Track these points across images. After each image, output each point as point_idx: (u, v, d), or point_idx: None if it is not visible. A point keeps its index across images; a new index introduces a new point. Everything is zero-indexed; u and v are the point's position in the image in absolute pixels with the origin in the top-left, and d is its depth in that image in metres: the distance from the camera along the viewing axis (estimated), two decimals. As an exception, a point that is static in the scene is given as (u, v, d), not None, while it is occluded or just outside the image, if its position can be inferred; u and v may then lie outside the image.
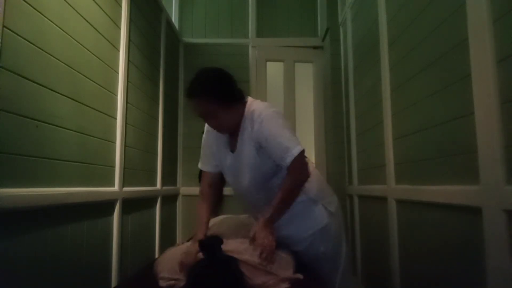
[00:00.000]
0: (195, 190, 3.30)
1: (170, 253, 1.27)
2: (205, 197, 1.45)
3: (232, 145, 1.34)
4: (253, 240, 1.21)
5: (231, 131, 1.33)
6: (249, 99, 1.35)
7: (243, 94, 1.33)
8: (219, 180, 1.48)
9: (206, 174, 1.48)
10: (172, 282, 1.14)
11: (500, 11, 1.04)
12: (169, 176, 3.05)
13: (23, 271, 1.16)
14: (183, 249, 1.26)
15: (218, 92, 1.23)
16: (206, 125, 1.41)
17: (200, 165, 1.51)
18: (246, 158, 1.29)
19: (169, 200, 3.08)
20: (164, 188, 2.83)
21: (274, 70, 3.47)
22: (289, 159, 1.19)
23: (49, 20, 1.32)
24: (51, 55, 1.34)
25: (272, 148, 1.22)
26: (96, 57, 1.69)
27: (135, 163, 2.21)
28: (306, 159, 1.30)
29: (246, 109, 1.29)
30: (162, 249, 2.56)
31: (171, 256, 1.24)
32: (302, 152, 1.21)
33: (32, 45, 1.23)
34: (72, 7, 1.48)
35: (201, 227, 1.36)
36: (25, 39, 1.18)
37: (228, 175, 1.41)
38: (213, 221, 1.63)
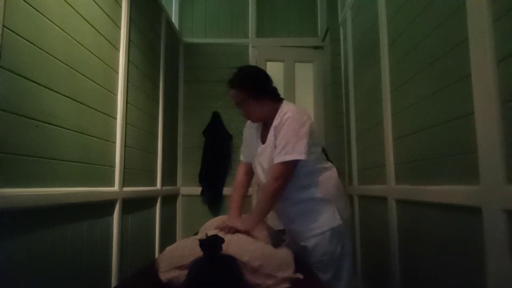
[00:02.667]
0: (195, 190, 3.32)
1: (172, 248, 1.27)
2: (240, 184, 1.64)
3: (263, 138, 1.49)
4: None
5: (262, 122, 1.53)
6: (285, 101, 1.49)
7: (276, 93, 1.50)
8: (251, 171, 1.64)
9: (242, 164, 1.67)
10: (172, 276, 1.14)
11: (500, 11, 1.04)
12: (169, 176, 3.05)
13: (23, 271, 1.16)
14: (187, 243, 1.26)
15: (252, 86, 1.44)
16: (245, 126, 1.65)
17: (240, 156, 1.71)
18: (269, 150, 1.42)
19: (169, 200, 3.08)
20: (164, 188, 2.83)
21: (274, 70, 3.46)
22: (278, 159, 1.34)
23: (49, 20, 1.32)
24: (51, 55, 1.34)
25: (278, 144, 1.36)
26: (96, 57, 1.69)
27: (135, 163, 2.21)
28: (328, 164, 1.51)
29: (280, 109, 1.43)
30: (162, 249, 2.56)
31: (173, 251, 1.24)
32: (293, 162, 1.33)
33: (32, 45, 1.23)
34: (72, 7, 1.48)
35: (234, 211, 1.54)
36: (25, 39, 1.18)
37: (255, 164, 1.54)
38: (211, 221, 1.64)
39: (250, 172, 1.64)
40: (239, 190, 1.61)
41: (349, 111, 2.76)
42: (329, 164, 1.55)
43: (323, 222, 1.41)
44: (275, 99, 1.48)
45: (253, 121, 1.54)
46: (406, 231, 1.75)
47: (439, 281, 1.41)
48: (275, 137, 1.39)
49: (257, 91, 1.44)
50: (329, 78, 3.17)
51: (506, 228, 1.00)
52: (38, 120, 1.26)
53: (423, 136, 1.54)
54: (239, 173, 1.67)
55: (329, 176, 1.50)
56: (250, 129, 1.61)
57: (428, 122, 1.48)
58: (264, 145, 1.47)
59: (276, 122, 1.40)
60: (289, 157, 1.32)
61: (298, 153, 1.32)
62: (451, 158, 1.31)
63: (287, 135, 1.34)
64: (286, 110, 1.39)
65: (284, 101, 1.49)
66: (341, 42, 3.07)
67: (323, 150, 1.55)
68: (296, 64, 3.51)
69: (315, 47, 3.50)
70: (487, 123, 1.07)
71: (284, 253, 1.26)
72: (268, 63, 3.49)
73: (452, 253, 1.31)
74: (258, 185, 1.59)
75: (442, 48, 1.36)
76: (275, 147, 1.38)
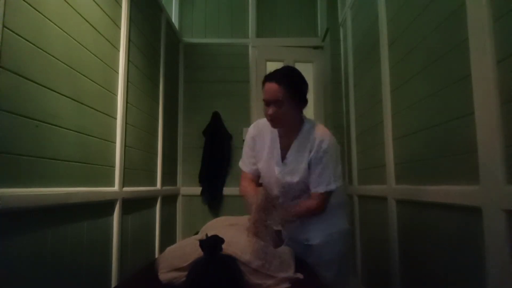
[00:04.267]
0: (195, 190, 3.32)
1: (172, 248, 1.27)
2: (247, 188, 1.49)
3: (282, 155, 1.42)
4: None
5: (282, 130, 1.42)
6: (310, 120, 1.44)
7: (305, 106, 1.42)
8: (257, 180, 1.55)
9: (246, 174, 1.54)
10: (172, 276, 1.14)
11: (500, 11, 1.04)
12: (169, 176, 3.05)
13: (23, 271, 1.16)
14: (187, 243, 1.26)
15: (296, 89, 1.35)
16: (253, 130, 1.50)
17: (241, 165, 1.57)
18: (296, 173, 1.38)
19: (169, 200, 3.08)
20: (164, 188, 2.83)
21: (274, 70, 3.46)
22: (321, 189, 1.35)
23: (49, 20, 1.32)
24: (51, 55, 1.34)
25: (317, 173, 1.35)
26: (96, 57, 1.69)
27: (135, 163, 2.21)
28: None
29: (306, 127, 1.39)
30: (162, 249, 2.56)
31: (173, 252, 1.24)
32: (332, 191, 1.36)
33: (32, 45, 1.23)
34: (72, 7, 1.48)
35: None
36: (25, 39, 1.18)
37: (269, 179, 1.47)
38: (212, 222, 1.64)
39: (254, 182, 1.53)
40: (251, 188, 1.48)
41: (349, 111, 2.76)
42: None
43: (333, 224, 1.46)
44: (301, 112, 1.42)
45: (276, 125, 1.38)
46: (406, 231, 1.75)
47: (439, 281, 1.41)
48: (311, 163, 1.36)
49: (300, 97, 1.36)
50: (329, 78, 3.17)
51: (506, 228, 1.00)
52: (38, 120, 1.26)
53: (423, 136, 1.54)
54: (244, 183, 1.52)
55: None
56: (261, 137, 1.47)
57: (428, 122, 1.48)
58: (288, 167, 1.40)
59: (308, 149, 1.36)
60: (331, 187, 1.35)
61: (339, 182, 1.37)
62: (451, 158, 1.31)
63: (330, 165, 1.35)
64: (322, 136, 1.35)
65: (308, 119, 1.44)
66: (341, 42, 3.07)
67: None
68: (296, 64, 3.50)
69: (315, 47, 3.50)
70: (487, 123, 1.07)
71: (284, 253, 1.26)
72: (268, 63, 3.49)
73: (452, 253, 1.31)
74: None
75: (442, 48, 1.36)
76: (306, 170, 1.37)
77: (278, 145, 1.43)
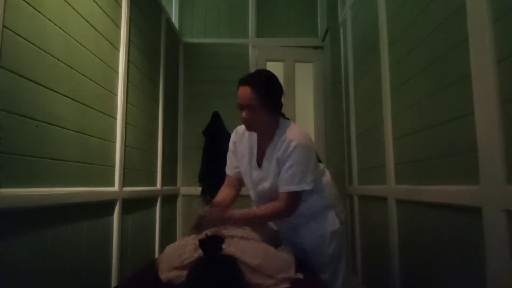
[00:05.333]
0: (195, 190, 3.32)
1: (172, 247, 1.27)
2: (221, 193, 1.54)
3: (259, 160, 1.43)
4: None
5: (258, 134, 1.43)
6: (286, 121, 1.42)
7: (281, 109, 1.43)
8: (238, 184, 1.57)
9: (228, 178, 1.59)
10: (172, 276, 1.14)
11: (500, 11, 1.04)
12: (169, 176, 3.05)
13: (23, 271, 1.16)
14: (188, 242, 1.26)
15: (270, 94, 1.35)
16: (234, 135, 1.55)
17: (226, 168, 1.61)
18: (268, 178, 1.38)
19: (169, 200, 3.08)
20: (164, 188, 2.83)
21: (274, 70, 3.44)
22: (286, 188, 1.31)
23: (49, 20, 1.32)
24: (51, 55, 1.34)
25: (283, 173, 1.32)
26: (96, 57, 1.69)
27: (135, 163, 2.21)
28: (322, 167, 1.51)
29: (281, 129, 1.37)
30: (162, 249, 2.56)
31: (173, 251, 1.24)
32: (300, 192, 1.33)
33: (32, 45, 1.23)
34: (72, 7, 1.48)
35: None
36: (25, 39, 1.18)
37: (248, 184, 1.49)
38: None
39: (235, 185, 1.56)
40: (221, 196, 1.52)
41: (349, 111, 2.76)
42: (322, 166, 1.56)
43: (323, 226, 1.44)
44: (276, 116, 1.40)
45: (251, 129, 1.40)
46: (406, 231, 1.75)
47: (439, 281, 1.41)
48: (279, 164, 1.34)
49: (273, 101, 1.36)
50: (329, 78, 3.17)
51: (506, 228, 1.00)
52: (38, 120, 1.26)
53: (423, 136, 1.54)
54: (224, 185, 1.57)
55: (327, 181, 1.52)
56: (241, 142, 1.50)
57: (428, 122, 1.48)
58: (262, 172, 1.40)
59: (281, 151, 1.33)
60: (297, 188, 1.31)
61: (306, 184, 1.31)
62: (451, 158, 1.31)
63: (296, 166, 1.30)
64: (291, 137, 1.32)
65: (285, 121, 1.42)
66: (341, 42, 3.07)
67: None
68: (296, 64, 3.50)
69: (315, 47, 3.50)
70: (487, 123, 1.07)
71: (285, 254, 1.27)
72: (268, 63, 3.49)
73: (452, 253, 1.31)
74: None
75: (442, 48, 1.36)
76: (278, 175, 1.35)
77: (255, 150, 1.44)
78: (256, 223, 1.38)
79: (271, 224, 1.60)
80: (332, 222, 1.46)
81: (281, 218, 1.42)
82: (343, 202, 1.64)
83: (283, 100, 1.42)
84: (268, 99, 1.33)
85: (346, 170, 2.90)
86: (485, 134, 1.08)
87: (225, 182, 1.59)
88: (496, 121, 1.04)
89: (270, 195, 1.38)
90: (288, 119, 1.47)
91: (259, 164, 1.42)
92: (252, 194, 1.50)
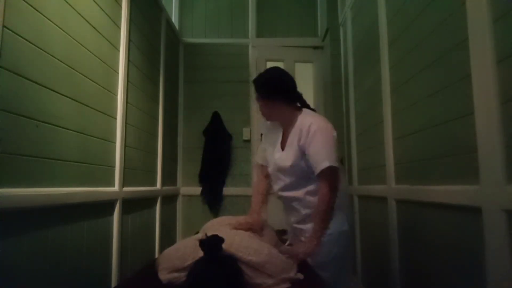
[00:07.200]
0: (195, 190, 3.32)
1: (172, 248, 1.27)
2: (259, 186, 1.66)
3: (283, 144, 1.54)
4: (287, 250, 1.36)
5: (281, 125, 1.57)
6: (309, 111, 1.53)
7: (298, 100, 1.55)
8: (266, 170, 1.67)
9: (259, 166, 1.71)
10: (172, 276, 1.14)
11: (500, 11, 1.04)
12: (169, 176, 3.05)
13: (23, 271, 1.16)
14: (188, 243, 1.26)
15: (273, 87, 1.50)
16: (262, 128, 1.71)
17: (256, 158, 1.75)
18: (289, 158, 1.46)
19: (169, 200, 3.08)
20: (164, 188, 2.83)
21: (274, 70, 3.46)
22: (323, 165, 1.36)
23: (49, 20, 1.32)
24: (51, 55, 1.34)
25: (313, 154, 1.40)
26: (96, 57, 1.69)
27: (135, 163, 2.21)
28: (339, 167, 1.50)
29: (302, 117, 1.48)
30: (162, 249, 2.56)
31: (174, 252, 1.24)
32: (331, 167, 1.36)
33: (32, 45, 1.23)
34: (72, 7, 1.48)
35: (252, 212, 1.58)
36: (25, 39, 1.18)
37: (271, 165, 1.58)
38: (212, 222, 1.63)
39: (266, 173, 1.66)
40: (258, 196, 1.63)
41: (349, 111, 2.76)
42: (342, 168, 1.59)
43: (334, 223, 1.44)
44: (291, 104, 1.51)
45: (267, 118, 1.59)
46: (406, 231, 1.75)
47: (439, 281, 1.41)
48: (299, 141, 1.42)
49: (280, 93, 1.49)
50: (329, 78, 3.17)
51: (506, 228, 1.00)
52: (38, 120, 1.26)
53: (423, 136, 1.54)
54: (257, 176, 1.72)
55: (342, 183, 1.53)
56: (270, 134, 1.63)
57: (428, 122, 1.48)
58: (284, 154, 1.50)
59: (302, 135, 1.42)
60: (328, 163, 1.35)
61: (334, 161, 1.36)
62: (451, 158, 1.31)
63: (320, 145, 1.38)
64: (310, 122, 1.42)
65: (307, 111, 1.53)
66: (341, 42, 3.07)
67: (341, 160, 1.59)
68: (296, 64, 3.50)
69: (315, 47, 3.50)
70: (487, 123, 1.07)
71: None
72: (268, 63, 3.49)
73: (452, 253, 1.31)
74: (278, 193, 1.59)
75: (442, 48, 1.36)
76: (300, 156, 1.42)
77: (280, 137, 1.57)
78: (327, 221, 1.40)
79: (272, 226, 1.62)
80: (341, 222, 1.48)
81: (333, 199, 1.41)
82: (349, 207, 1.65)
83: (294, 91, 1.53)
84: (274, 92, 1.48)
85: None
86: (485, 134, 1.08)
87: (257, 172, 1.73)
88: (496, 121, 1.04)
89: (290, 172, 1.47)
90: (313, 110, 1.57)
91: (282, 148, 1.53)
92: (273, 174, 1.57)
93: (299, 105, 1.55)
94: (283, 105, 1.50)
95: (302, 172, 1.45)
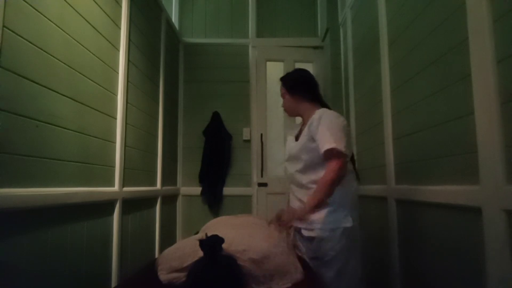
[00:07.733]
0: (195, 190, 3.32)
1: (172, 249, 1.27)
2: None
3: (298, 136, 1.65)
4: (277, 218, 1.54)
5: (301, 120, 1.72)
6: (325, 108, 1.60)
7: (316, 97, 1.66)
8: None
9: None
10: (172, 276, 1.14)
11: (500, 11, 1.04)
12: (169, 176, 3.05)
13: (23, 271, 1.16)
14: (188, 243, 1.26)
15: (292, 84, 1.67)
16: (290, 128, 1.87)
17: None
18: (299, 145, 1.56)
19: (169, 200, 3.08)
20: (164, 188, 2.83)
21: (274, 70, 3.46)
22: (328, 145, 1.41)
23: (49, 20, 1.32)
24: (51, 55, 1.34)
25: (319, 137, 1.46)
26: (96, 57, 1.69)
27: (135, 163, 2.21)
28: (351, 167, 1.57)
29: (316, 114, 1.54)
30: (162, 249, 2.56)
31: (174, 252, 1.24)
32: (336, 149, 1.40)
33: (32, 45, 1.23)
34: (72, 7, 1.48)
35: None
36: (25, 39, 1.18)
37: (286, 159, 1.69)
38: (212, 221, 1.64)
39: None
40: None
41: (349, 111, 2.76)
42: (351, 167, 1.59)
43: (336, 220, 1.45)
44: (313, 102, 1.63)
45: (288, 114, 1.74)
46: (406, 231, 1.75)
47: (439, 281, 1.41)
48: (313, 134, 1.49)
49: (299, 92, 1.65)
50: (329, 78, 3.17)
51: (506, 228, 1.00)
52: (38, 120, 1.26)
53: (423, 136, 1.54)
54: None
55: (353, 184, 1.56)
56: (293, 132, 1.74)
57: (428, 122, 1.48)
58: (298, 144, 1.59)
59: (312, 120, 1.52)
60: (333, 145, 1.39)
61: (341, 144, 1.40)
62: (451, 158, 1.31)
63: (325, 127, 1.44)
64: (322, 112, 1.51)
65: (325, 109, 1.58)
66: (341, 42, 3.07)
67: (352, 158, 1.59)
68: (296, 64, 3.49)
69: (315, 47, 3.50)
70: (487, 123, 1.07)
71: (289, 255, 1.26)
72: (268, 63, 3.49)
73: (452, 253, 1.31)
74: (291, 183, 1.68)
75: (442, 48, 1.36)
76: (309, 144, 1.50)
77: (298, 131, 1.70)
78: (322, 194, 1.44)
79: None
80: (346, 219, 1.47)
81: (336, 180, 1.44)
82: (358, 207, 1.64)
83: (315, 89, 1.68)
84: (292, 88, 1.65)
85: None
86: (485, 134, 1.08)
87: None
88: (496, 121, 1.04)
89: (299, 159, 1.55)
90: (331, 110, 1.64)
91: (297, 139, 1.64)
92: (287, 164, 1.68)
93: (318, 102, 1.65)
94: (306, 101, 1.63)
95: (309, 159, 1.51)
